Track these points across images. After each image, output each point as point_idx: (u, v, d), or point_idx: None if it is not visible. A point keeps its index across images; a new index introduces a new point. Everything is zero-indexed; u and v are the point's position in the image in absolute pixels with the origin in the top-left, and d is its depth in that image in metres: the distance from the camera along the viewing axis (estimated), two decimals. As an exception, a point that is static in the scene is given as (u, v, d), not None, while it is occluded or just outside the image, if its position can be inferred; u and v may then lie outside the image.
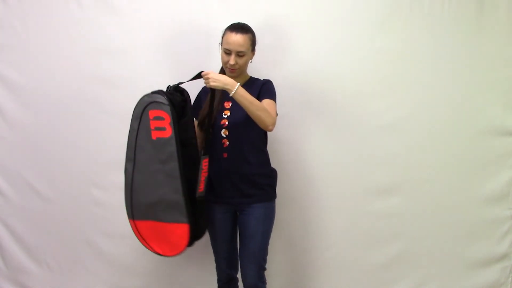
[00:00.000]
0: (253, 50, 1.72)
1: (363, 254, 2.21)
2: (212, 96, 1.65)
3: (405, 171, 2.16)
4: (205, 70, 1.59)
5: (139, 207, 1.64)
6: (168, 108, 1.52)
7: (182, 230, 1.60)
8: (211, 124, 1.67)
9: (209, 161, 1.66)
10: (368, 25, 2.07)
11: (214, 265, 1.89)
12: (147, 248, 1.71)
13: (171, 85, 1.65)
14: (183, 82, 1.67)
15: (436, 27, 2.07)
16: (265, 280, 1.81)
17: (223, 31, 1.70)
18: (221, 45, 1.69)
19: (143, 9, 2.06)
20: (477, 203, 2.18)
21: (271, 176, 1.82)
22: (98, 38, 2.08)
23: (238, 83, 1.56)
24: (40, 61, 2.10)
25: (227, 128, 1.68)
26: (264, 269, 1.79)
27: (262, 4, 2.05)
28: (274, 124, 1.64)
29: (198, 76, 1.62)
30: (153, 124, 1.55)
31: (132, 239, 2.17)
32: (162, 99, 1.54)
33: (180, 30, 2.07)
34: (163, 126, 1.53)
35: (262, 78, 1.81)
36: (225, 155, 1.69)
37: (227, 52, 1.65)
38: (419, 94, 2.11)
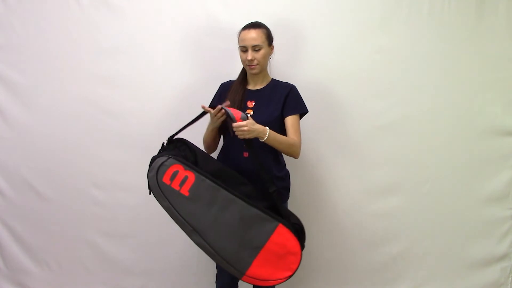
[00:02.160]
0: (270, 44, 1.70)
1: (363, 254, 2.21)
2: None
3: (405, 171, 2.16)
4: (237, 123, 1.51)
5: (237, 259, 1.50)
6: (171, 160, 1.47)
7: (281, 233, 1.50)
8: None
9: (228, 159, 1.66)
10: (368, 25, 2.07)
11: (213, 264, 1.87)
12: (279, 283, 1.55)
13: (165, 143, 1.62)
14: (179, 132, 1.62)
15: (436, 27, 2.07)
16: None
17: (238, 32, 1.70)
18: (239, 46, 1.70)
19: (143, 9, 2.06)
20: (477, 203, 2.18)
21: (287, 178, 1.81)
22: (98, 38, 2.07)
23: (267, 128, 1.56)
24: (40, 61, 2.10)
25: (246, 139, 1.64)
26: None
27: (262, 5, 2.05)
28: (299, 152, 1.70)
29: (201, 115, 1.59)
30: (174, 184, 1.48)
31: (132, 239, 2.19)
32: (160, 159, 1.48)
33: (180, 30, 2.07)
34: (184, 177, 1.47)
35: (284, 81, 1.79)
36: (246, 154, 1.68)
37: (243, 50, 1.66)
38: (419, 94, 2.11)
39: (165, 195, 1.48)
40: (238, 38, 1.69)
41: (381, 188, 2.17)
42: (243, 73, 1.77)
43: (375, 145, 2.14)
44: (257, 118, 1.64)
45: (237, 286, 1.85)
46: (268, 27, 1.71)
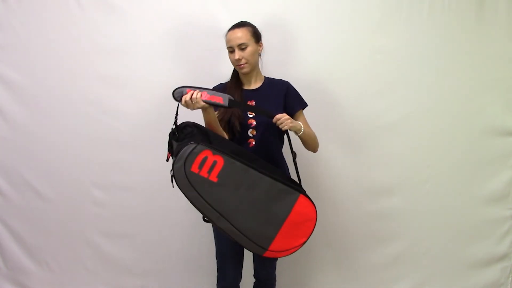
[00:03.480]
0: (257, 41, 1.69)
1: (363, 254, 2.21)
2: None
3: (405, 171, 2.16)
4: (279, 114, 1.55)
5: (261, 236, 1.50)
6: (200, 146, 1.41)
7: (302, 203, 1.53)
8: (240, 123, 1.66)
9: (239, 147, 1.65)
10: (368, 25, 2.07)
11: (214, 264, 1.86)
12: (294, 251, 1.57)
13: (173, 128, 1.54)
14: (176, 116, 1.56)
15: (436, 28, 2.07)
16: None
17: (224, 36, 1.70)
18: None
19: (143, 9, 2.06)
20: (477, 203, 2.18)
21: (289, 176, 1.82)
22: (98, 38, 2.07)
23: (300, 123, 1.65)
24: (40, 61, 2.10)
25: (254, 128, 1.67)
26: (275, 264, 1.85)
27: (263, 5, 2.05)
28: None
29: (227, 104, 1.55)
30: (203, 172, 1.42)
31: (132, 239, 2.19)
32: (189, 147, 1.41)
33: (180, 30, 2.07)
34: (212, 162, 1.42)
35: (276, 78, 1.80)
36: (252, 142, 1.68)
37: (230, 50, 1.66)
38: (419, 94, 2.11)
39: (193, 185, 1.42)
40: (225, 40, 1.68)
41: (381, 188, 2.17)
42: (236, 74, 1.76)
43: (375, 145, 2.14)
44: (260, 118, 1.66)
45: (241, 278, 1.85)
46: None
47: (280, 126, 1.55)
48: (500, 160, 2.16)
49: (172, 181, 1.45)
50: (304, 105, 1.78)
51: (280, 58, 2.04)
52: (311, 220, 1.56)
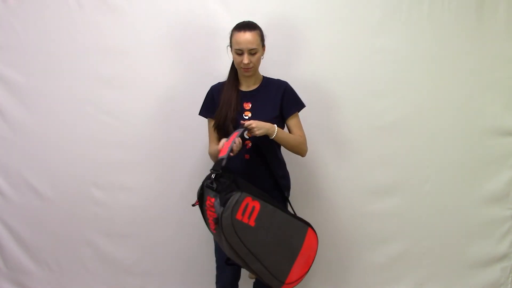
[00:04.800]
0: (263, 45, 1.69)
1: (363, 254, 2.21)
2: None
3: (405, 171, 2.16)
4: (246, 122, 1.56)
5: (279, 271, 1.52)
6: (245, 194, 1.43)
7: (310, 236, 1.61)
8: (233, 126, 1.65)
9: (230, 161, 1.60)
10: (368, 25, 2.07)
11: (213, 264, 1.87)
12: (296, 284, 1.60)
13: (212, 174, 1.49)
14: (223, 160, 1.50)
15: (436, 27, 2.07)
16: None
17: (230, 32, 1.68)
18: (231, 47, 1.67)
19: (143, 9, 2.06)
20: (477, 203, 2.18)
21: (288, 177, 1.83)
22: (98, 38, 2.07)
23: (275, 125, 1.62)
24: (40, 61, 2.10)
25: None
26: None
27: (262, 4, 2.05)
28: (307, 149, 1.75)
29: (242, 132, 1.57)
30: (245, 218, 1.44)
31: (132, 239, 2.19)
32: (235, 195, 1.42)
33: (180, 29, 2.07)
34: (251, 208, 1.44)
35: (274, 78, 1.79)
36: (247, 156, 1.68)
37: (238, 52, 1.62)
38: (419, 94, 2.11)
39: (236, 232, 1.41)
40: (231, 38, 1.65)
41: (381, 188, 2.17)
42: (234, 74, 1.73)
43: (375, 145, 2.14)
44: (255, 119, 1.65)
45: (237, 286, 1.85)
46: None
47: (249, 132, 1.57)
48: (500, 160, 2.16)
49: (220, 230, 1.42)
50: (300, 107, 1.76)
51: (280, 58, 2.04)
52: (314, 251, 1.64)
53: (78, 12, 2.06)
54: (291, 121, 1.73)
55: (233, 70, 1.73)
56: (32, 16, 2.07)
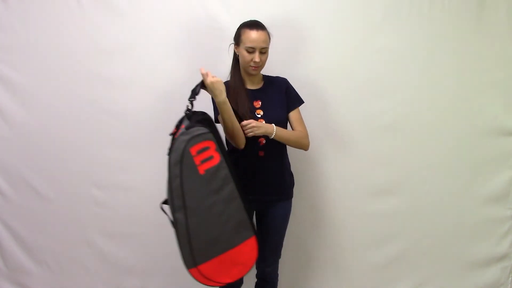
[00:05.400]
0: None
1: (363, 254, 2.21)
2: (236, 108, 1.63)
3: (405, 171, 2.16)
4: (245, 121, 1.58)
5: (201, 250, 1.48)
6: (211, 135, 1.42)
7: (250, 244, 1.53)
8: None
9: (244, 157, 1.65)
10: (368, 25, 2.07)
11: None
12: (214, 286, 1.55)
13: (189, 105, 1.51)
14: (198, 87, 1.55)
15: (436, 27, 2.07)
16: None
17: (238, 30, 1.67)
18: (239, 44, 1.65)
19: (144, 9, 2.06)
20: (477, 203, 2.18)
21: (292, 174, 1.87)
22: (98, 38, 2.07)
23: (274, 125, 1.63)
24: (40, 61, 2.09)
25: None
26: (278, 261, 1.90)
27: (263, 4, 2.05)
28: (309, 143, 1.76)
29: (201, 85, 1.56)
30: (198, 159, 1.41)
31: (132, 239, 2.19)
32: (201, 129, 1.42)
33: (180, 29, 2.06)
34: (209, 156, 1.42)
35: (273, 76, 1.82)
36: (262, 153, 1.69)
37: (250, 50, 1.61)
38: (419, 94, 2.11)
39: (181, 164, 1.40)
40: (242, 36, 1.64)
41: (381, 188, 2.17)
42: (238, 73, 1.72)
43: (375, 145, 2.14)
44: (268, 118, 1.67)
45: (242, 282, 1.85)
46: (266, 26, 1.70)
47: (246, 133, 1.57)
48: (500, 160, 2.16)
49: (169, 150, 1.43)
50: (301, 102, 1.79)
51: (280, 58, 2.04)
52: (246, 267, 1.53)
53: (78, 12, 2.06)
54: (293, 116, 1.76)
55: (236, 69, 1.73)
56: (32, 16, 2.07)
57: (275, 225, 1.81)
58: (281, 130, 1.66)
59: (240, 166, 1.65)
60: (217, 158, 1.43)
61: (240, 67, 1.71)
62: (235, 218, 1.48)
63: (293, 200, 1.86)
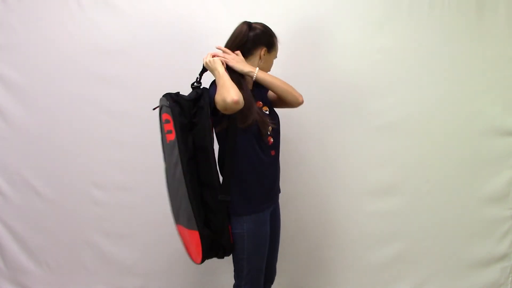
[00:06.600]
0: None
1: (363, 254, 2.21)
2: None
3: (405, 171, 2.16)
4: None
5: (173, 210, 1.59)
6: (169, 110, 1.45)
7: (195, 238, 1.49)
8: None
9: (258, 162, 1.55)
10: (368, 25, 2.07)
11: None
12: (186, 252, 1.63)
13: (198, 77, 1.59)
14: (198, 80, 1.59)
15: (436, 27, 2.07)
16: None
17: (273, 38, 1.62)
18: (271, 52, 1.63)
19: (144, 9, 2.06)
20: (477, 203, 2.18)
21: None
22: (98, 38, 2.07)
23: (257, 68, 1.56)
24: (40, 61, 2.10)
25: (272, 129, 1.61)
26: None
27: (262, 5, 2.05)
28: (301, 96, 1.63)
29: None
30: (166, 127, 1.48)
31: (132, 239, 2.19)
32: (164, 101, 1.47)
33: (180, 29, 2.07)
34: (169, 129, 1.47)
35: None
36: (273, 152, 1.62)
37: (274, 59, 1.67)
38: (419, 94, 2.11)
39: (160, 123, 1.53)
40: (275, 45, 1.63)
41: (381, 188, 2.17)
42: (239, 75, 1.62)
43: (375, 145, 2.14)
44: (275, 116, 1.66)
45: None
46: (268, 27, 1.70)
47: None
48: (500, 160, 2.16)
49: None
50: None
51: (280, 58, 2.03)
52: (194, 259, 1.57)
53: (78, 12, 2.06)
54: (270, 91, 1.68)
55: (234, 72, 1.58)
56: (32, 16, 2.07)
57: (278, 229, 1.75)
58: (263, 72, 1.56)
59: (263, 173, 1.57)
60: (173, 135, 1.46)
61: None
62: (183, 202, 1.49)
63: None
